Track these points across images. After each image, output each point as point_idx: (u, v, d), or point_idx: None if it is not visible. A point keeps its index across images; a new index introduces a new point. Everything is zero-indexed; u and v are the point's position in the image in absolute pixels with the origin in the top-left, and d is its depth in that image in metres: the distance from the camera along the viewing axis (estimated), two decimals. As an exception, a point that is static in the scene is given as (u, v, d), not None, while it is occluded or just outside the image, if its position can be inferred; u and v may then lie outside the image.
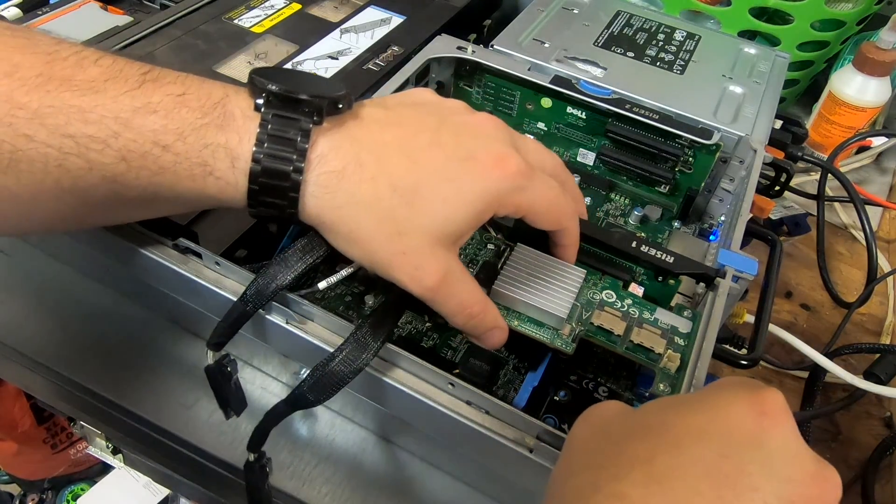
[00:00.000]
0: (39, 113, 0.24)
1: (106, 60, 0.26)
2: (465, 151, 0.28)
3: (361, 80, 0.44)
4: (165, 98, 0.26)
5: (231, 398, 0.32)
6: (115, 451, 0.62)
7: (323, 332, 0.31)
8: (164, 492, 0.76)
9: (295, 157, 0.26)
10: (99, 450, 0.68)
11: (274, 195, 0.26)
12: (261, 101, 0.26)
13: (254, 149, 0.26)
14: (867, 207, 0.52)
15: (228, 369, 0.32)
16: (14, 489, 0.88)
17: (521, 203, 0.29)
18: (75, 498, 0.86)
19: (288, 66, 0.44)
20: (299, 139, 0.26)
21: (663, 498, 0.19)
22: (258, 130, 0.26)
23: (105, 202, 0.27)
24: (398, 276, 0.27)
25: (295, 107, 0.26)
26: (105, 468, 0.82)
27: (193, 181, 0.26)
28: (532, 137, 0.31)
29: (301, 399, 0.29)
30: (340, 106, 0.27)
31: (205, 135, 0.26)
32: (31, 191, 0.25)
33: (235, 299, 0.29)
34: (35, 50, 0.25)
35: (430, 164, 0.27)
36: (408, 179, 0.27)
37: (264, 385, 0.39)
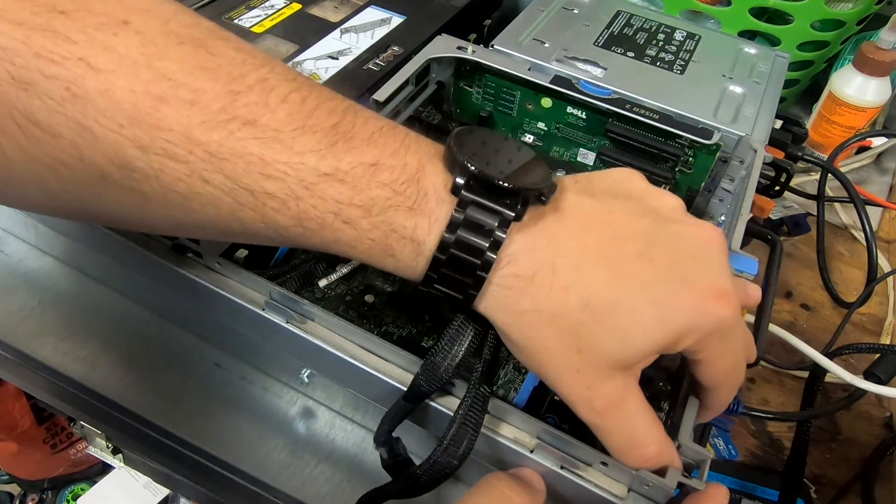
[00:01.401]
0: (218, 155, 0.22)
1: (295, 96, 0.23)
2: (680, 275, 0.24)
3: (361, 80, 0.44)
4: (356, 167, 0.23)
5: (405, 470, 0.29)
6: (115, 451, 0.62)
7: (323, 331, 0.31)
8: (164, 492, 0.76)
9: (486, 251, 0.23)
10: (99, 450, 0.68)
11: (452, 286, 0.24)
12: (461, 182, 0.23)
13: (444, 235, 0.23)
14: (867, 207, 0.52)
15: (400, 455, 0.29)
16: (14, 489, 0.88)
17: (713, 351, 0.25)
18: (75, 498, 0.86)
19: (288, 65, 0.44)
20: (496, 232, 0.23)
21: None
22: (452, 214, 0.23)
23: (269, 243, 0.25)
24: (566, 393, 0.25)
25: (497, 195, 0.23)
26: (105, 468, 0.82)
27: (370, 256, 0.24)
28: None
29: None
30: (544, 199, 0.24)
31: (393, 217, 0.23)
32: (199, 224, 0.24)
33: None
34: (218, 73, 0.22)
35: (634, 282, 0.24)
36: (605, 295, 0.23)
37: (265, 386, 0.39)
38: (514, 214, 0.23)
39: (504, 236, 0.23)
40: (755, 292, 0.29)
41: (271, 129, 0.22)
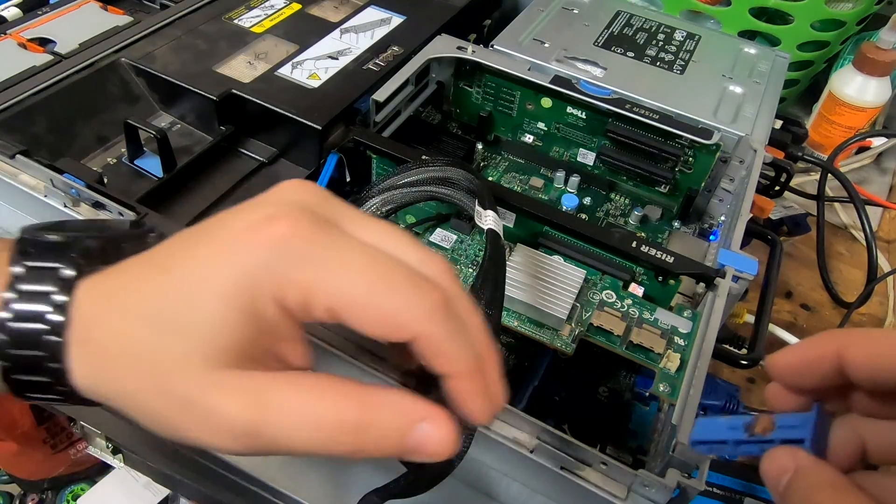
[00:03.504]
0: None
1: None
2: (214, 229, 0.19)
3: (361, 80, 0.44)
4: None
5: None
6: (115, 451, 0.62)
7: (324, 332, 0.31)
8: (164, 492, 0.76)
9: (50, 313, 0.19)
10: (99, 450, 0.68)
11: (31, 370, 0.19)
12: (19, 251, 0.20)
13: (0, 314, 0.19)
14: (867, 207, 0.52)
15: None
16: (14, 489, 0.88)
17: (311, 285, 0.18)
18: (75, 498, 0.86)
19: (288, 65, 0.45)
20: (56, 291, 0.19)
21: None
22: (7, 287, 0.19)
23: None
24: (196, 437, 0.18)
25: (57, 253, 0.20)
26: (105, 468, 0.82)
27: None
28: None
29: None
30: (124, 246, 0.21)
31: None
32: None
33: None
34: None
35: (177, 265, 0.19)
36: (154, 297, 0.19)
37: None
38: (77, 267, 0.20)
39: (69, 295, 0.19)
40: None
41: None
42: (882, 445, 0.21)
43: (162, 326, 0.18)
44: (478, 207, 0.32)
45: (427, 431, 0.18)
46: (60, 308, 0.19)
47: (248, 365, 0.18)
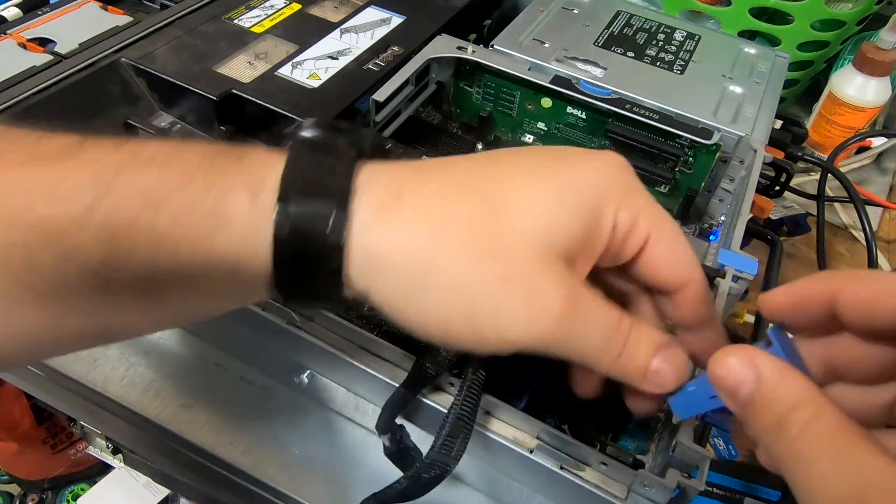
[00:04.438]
0: None
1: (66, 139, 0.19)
2: (554, 154, 0.22)
3: (361, 80, 0.44)
4: (161, 151, 0.19)
5: (409, 458, 0.29)
6: (115, 451, 0.62)
7: (323, 332, 0.31)
8: (164, 492, 0.76)
9: (336, 183, 0.19)
10: (99, 450, 0.68)
11: (309, 244, 0.19)
12: (300, 133, 0.20)
13: (280, 181, 0.19)
14: (867, 207, 0.52)
15: (403, 443, 0.28)
16: (14, 489, 0.88)
17: (642, 209, 0.22)
18: (75, 498, 0.86)
19: (288, 65, 0.45)
20: (339, 167, 0.19)
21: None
22: (285, 164, 0.19)
23: (92, 306, 0.19)
24: (511, 312, 0.19)
25: (332, 140, 0.20)
26: (105, 468, 0.82)
27: (196, 244, 0.19)
28: None
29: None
30: (388, 147, 0.23)
31: (216, 178, 0.19)
32: None
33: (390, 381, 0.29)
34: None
35: (510, 164, 0.21)
36: (486, 175, 0.20)
37: (265, 385, 0.39)
38: (357, 151, 0.20)
39: (353, 170, 0.19)
40: None
41: (56, 152, 0.19)
42: (855, 366, 0.21)
43: (497, 202, 0.20)
44: None
45: (672, 353, 0.22)
46: (347, 177, 0.19)
47: (569, 265, 0.20)
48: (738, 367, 0.19)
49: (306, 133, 0.20)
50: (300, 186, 0.19)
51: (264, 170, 0.19)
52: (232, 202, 0.19)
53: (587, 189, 0.21)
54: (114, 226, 0.18)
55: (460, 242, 0.19)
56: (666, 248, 0.22)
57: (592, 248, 0.21)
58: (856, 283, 0.20)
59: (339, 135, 0.20)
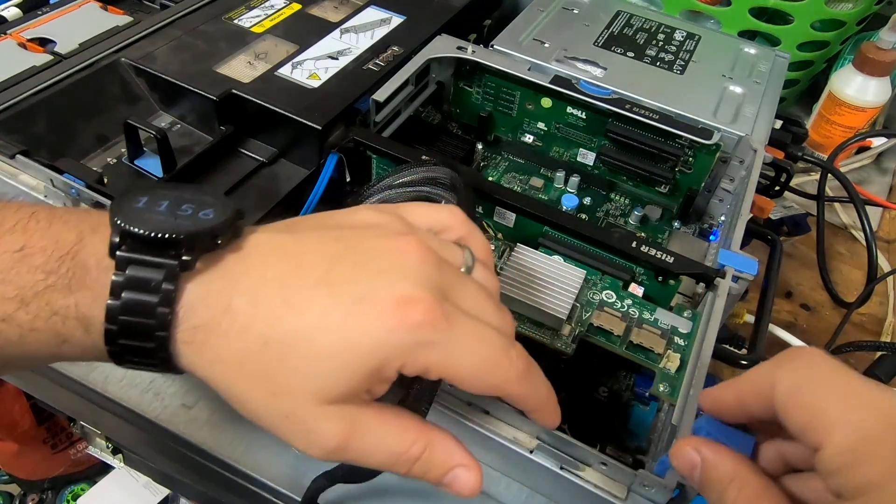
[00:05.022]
0: None
1: None
2: (360, 292, 0.22)
3: (361, 81, 0.44)
4: (1, 256, 0.21)
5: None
6: (115, 451, 0.62)
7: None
8: (164, 492, 0.76)
9: (157, 307, 0.21)
10: (99, 450, 0.68)
11: (140, 355, 0.22)
12: (116, 241, 0.21)
13: (108, 302, 0.21)
14: (867, 207, 0.52)
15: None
16: (14, 489, 0.88)
17: (431, 363, 0.22)
18: (75, 498, 0.86)
19: (288, 65, 0.45)
20: (164, 286, 0.21)
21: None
22: (112, 279, 0.21)
23: None
24: (293, 442, 0.23)
25: (158, 248, 0.21)
26: (105, 468, 0.82)
27: (46, 350, 0.22)
28: (477, 279, 0.25)
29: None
30: (219, 241, 0.22)
31: (52, 300, 0.22)
32: None
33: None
34: None
35: (311, 309, 0.22)
36: (281, 329, 0.21)
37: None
38: (176, 263, 0.21)
39: (172, 288, 0.21)
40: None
41: None
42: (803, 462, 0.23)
43: (286, 357, 0.21)
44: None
45: (461, 474, 0.23)
46: (166, 302, 0.21)
47: (350, 399, 0.22)
48: (688, 454, 0.24)
49: (127, 254, 0.21)
50: (124, 316, 0.21)
51: (91, 303, 0.22)
52: (70, 329, 0.22)
53: (373, 351, 0.22)
54: None
55: (250, 381, 0.22)
56: (462, 382, 0.23)
57: (377, 387, 0.23)
58: (785, 394, 0.22)
59: (162, 249, 0.22)
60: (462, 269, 0.25)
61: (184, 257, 0.21)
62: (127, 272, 0.21)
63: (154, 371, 0.23)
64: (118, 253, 0.21)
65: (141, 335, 0.21)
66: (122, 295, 0.21)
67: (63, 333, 0.22)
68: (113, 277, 0.21)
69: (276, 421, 0.22)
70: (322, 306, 0.22)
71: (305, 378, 0.21)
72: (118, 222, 0.21)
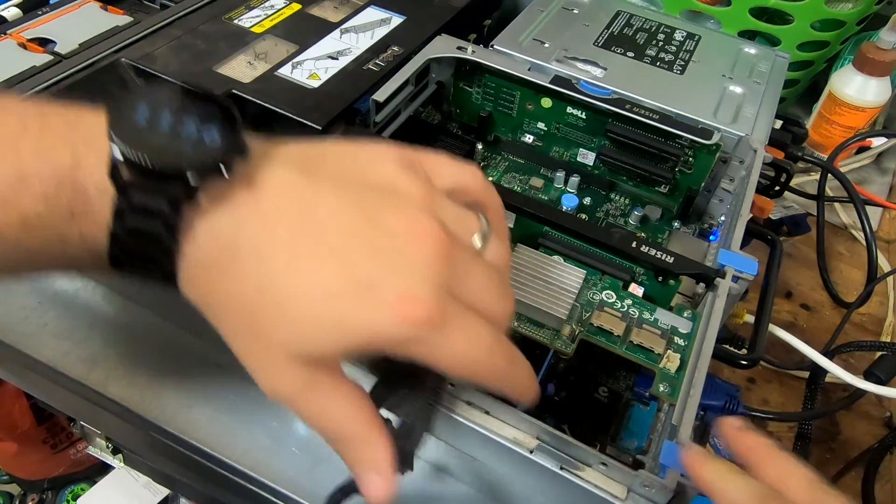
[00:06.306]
0: None
1: None
2: (367, 276, 0.21)
3: (361, 81, 0.44)
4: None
5: None
6: (115, 451, 0.62)
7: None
8: (164, 492, 0.76)
9: (162, 238, 0.21)
10: (99, 450, 0.68)
11: (145, 277, 0.23)
12: (118, 161, 0.20)
13: (111, 229, 0.21)
14: (867, 207, 0.52)
15: None
16: (14, 489, 0.88)
17: (415, 354, 0.22)
18: (75, 498, 0.86)
19: (288, 65, 0.45)
20: (166, 214, 0.21)
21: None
22: (115, 203, 0.21)
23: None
24: (253, 376, 0.23)
25: (163, 177, 0.21)
26: (105, 468, 0.82)
27: (54, 263, 0.23)
28: (489, 253, 0.25)
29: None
30: (227, 171, 0.21)
31: (60, 228, 0.21)
32: None
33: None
34: None
35: (316, 279, 0.21)
36: (282, 288, 0.21)
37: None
38: (180, 193, 0.21)
39: (178, 220, 0.21)
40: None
41: None
42: None
43: (283, 310, 0.21)
44: None
45: (373, 480, 0.24)
46: (170, 230, 0.21)
47: (320, 364, 0.23)
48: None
49: (128, 180, 0.21)
50: (129, 247, 0.22)
51: (97, 230, 0.21)
52: (80, 254, 0.22)
53: (364, 335, 0.22)
54: None
55: (241, 323, 0.23)
56: (448, 370, 0.23)
57: (349, 358, 0.24)
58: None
59: (164, 179, 0.21)
60: (476, 239, 0.25)
61: (189, 185, 0.21)
62: (129, 198, 0.21)
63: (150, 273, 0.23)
64: (119, 179, 0.21)
65: (146, 262, 0.22)
66: (126, 221, 0.21)
67: (74, 259, 0.22)
68: (115, 203, 0.21)
69: (248, 355, 0.23)
70: (328, 281, 0.21)
71: (289, 334, 0.22)
72: (117, 143, 0.20)
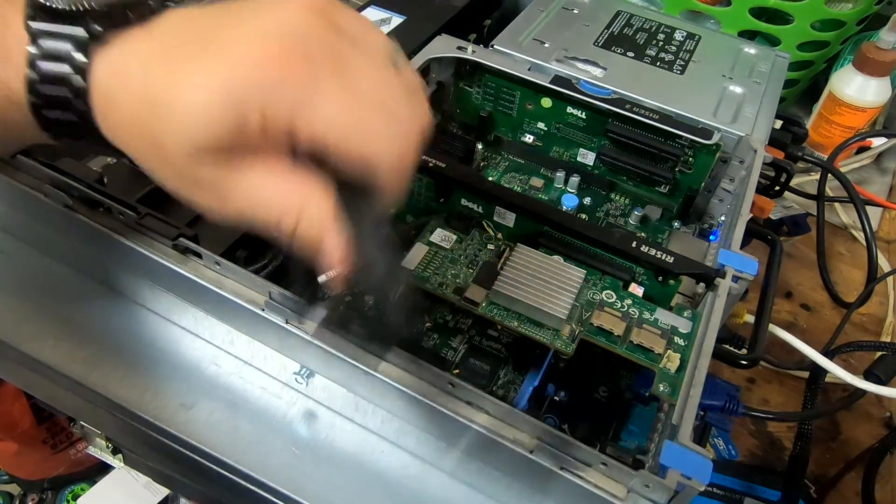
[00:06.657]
0: None
1: None
2: (227, 47, 0.22)
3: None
4: None
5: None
6: (115, 451, 0.62)
7: (322, 332, 0.31)
8: (164, 492, 0.76)
9: (72, 78, 0.22)
10: (99, 450, 0.68)
11: (71, 128, 0.23)
12: (30, 12, 0.22)
13: (26, 72, 0.22)
14: (867, 207, 0.52)
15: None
16: (14, 489, 0.88)
17: (297, 116, 0.22)
18: (75, 498, 0.86)
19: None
20: (74, 57, 0.22)
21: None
22: (27, 49, 0.22)
23: None
24: (173, 188, 0.24)
25: (71, 20, 0.22)
26: (105, 468, 0.82)
27: None
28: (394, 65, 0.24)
29: None
30: (131, 15, 0.22)
31: None
32: None
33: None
34: None
35: (184, 66, 0.22)
36: (159, 88, 0.22)
37: (264, 385, 0.39)
38: (86, 35, 0.22)
39: (84, 59, 0.22)
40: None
41: None
42: None
43: (160, 114, 0.22)
44: None
45: (330, 244, 0.23)
46: (78, 70, 0.22)
47: (226, 155, 0.22)
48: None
49: (40, 26, 0.22)
50: (43, 92, 0.22)
51: (15, 76, 0.22)
52: (3, 106, 0.23)
53: (222, 92, 0.21)
54: None
55: (142, 141, 0.23)
56: (336, 153, 0.22)
57: (257, 144, 0.22)
58: None
59: (74, 21, 0.22)
60: (375, 52, 0.24)
61: (94, 27, 0.22)
62: (40, 43, 0.22)
63: (97, 148, 0.24)
64: (31, 24, 0.22)
65: (62, 106, 0.23)
66: (38, 66, 0.22)
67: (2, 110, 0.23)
68: (28, 48, 0.22)
69: (157, 171, 0.23)
70: (193, 63, 0.22)
71: (177, 131, 0.22)
72: None
